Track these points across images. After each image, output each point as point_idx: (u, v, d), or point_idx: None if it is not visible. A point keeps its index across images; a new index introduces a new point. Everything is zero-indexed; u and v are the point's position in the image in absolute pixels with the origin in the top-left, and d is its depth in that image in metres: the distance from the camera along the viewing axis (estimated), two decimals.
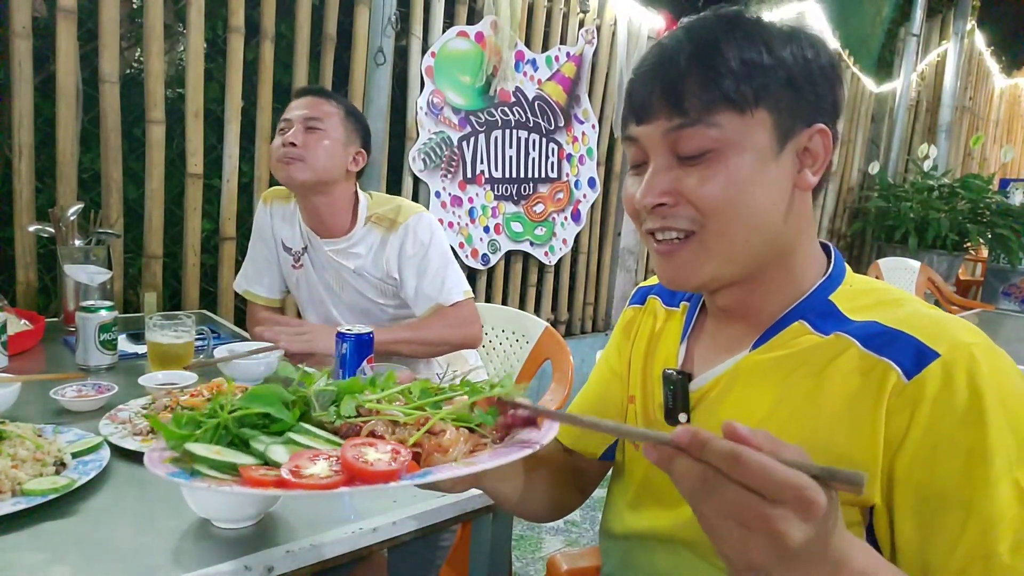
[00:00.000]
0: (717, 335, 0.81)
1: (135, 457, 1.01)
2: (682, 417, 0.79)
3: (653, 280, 0.94)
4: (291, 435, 0.61)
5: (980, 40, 6.44)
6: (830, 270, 0.75)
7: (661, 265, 0.73)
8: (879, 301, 0.71)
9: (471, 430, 0.66)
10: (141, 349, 1.56)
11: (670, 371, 0.81)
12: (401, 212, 1.71)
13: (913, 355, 0.64)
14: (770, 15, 0.72)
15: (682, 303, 0.88)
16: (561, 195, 3.48)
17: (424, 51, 2.88)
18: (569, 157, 3.47)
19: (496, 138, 3.17)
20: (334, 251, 1.71)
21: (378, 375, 0.73)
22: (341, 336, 1.24)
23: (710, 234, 0.69)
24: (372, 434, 0.63)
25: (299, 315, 1.91)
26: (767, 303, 0.75)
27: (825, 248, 0.78)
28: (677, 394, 0.79)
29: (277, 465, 0.57)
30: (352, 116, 1.70)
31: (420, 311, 1.69)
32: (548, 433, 0.66)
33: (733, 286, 0.75)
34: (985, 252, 5.17)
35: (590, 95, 3.50)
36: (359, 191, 1.73)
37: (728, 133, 0.66)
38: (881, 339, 0.66)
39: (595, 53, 3.46)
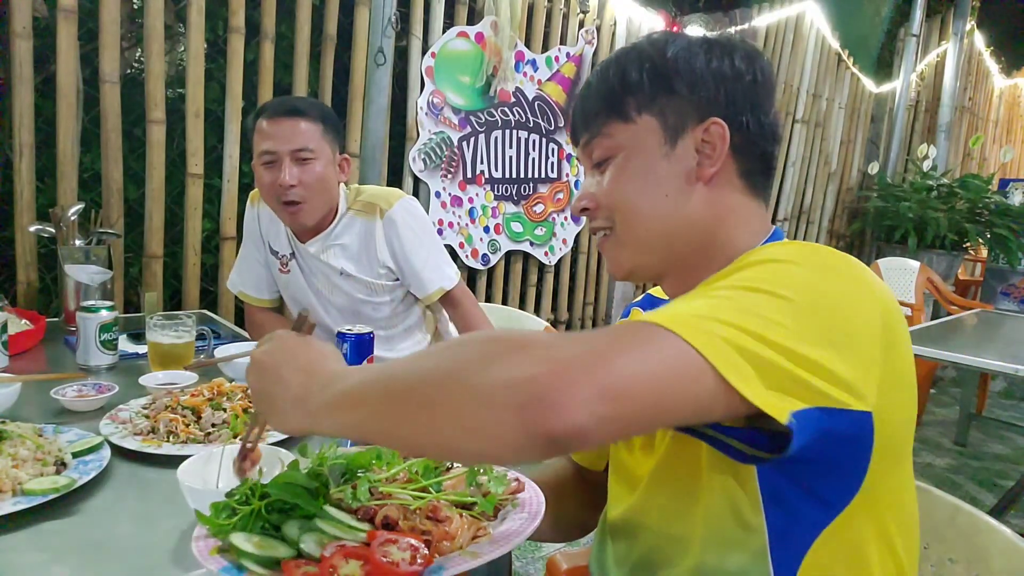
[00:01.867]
0: None
1: (135, 457, 1.01)
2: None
3: (640, 296, 1.02)
4: (319, 523, 0.70)
5: (980, 40, 6.44)
6: (763, 243, 0.79)
7: (604, 257, 0.86)
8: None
9: (472, 515, 0.76)
10: (141, 349, 1.56)
11: None
12: (385, 199, 1.69)
13: None
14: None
15: None
16: (561, 195, 3.48)
17: (424, 51, 2.88)
18: (569, 157, 3.47)
19: (496, 138, 3.17)
20: (319, 250, 1.69)
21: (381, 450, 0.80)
22: (341, 336, 1.24)
23: (619, 228, 0.80)
24: (386, 518, 0.72)
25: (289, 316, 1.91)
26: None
27: (776, 234, 0.81)
28: None
29: (310, 556, 0.67)
30: (329, 120, 1.63)
31: (425, 295, 1.70)
32: (538, 514, 0.76)
33: (669, 276, 0.83)
34: (984, 252, 5.17)
35: None
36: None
37: (618, 140, 0.78)
38: None
39: (595, 53, 3.46)
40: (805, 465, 0.64)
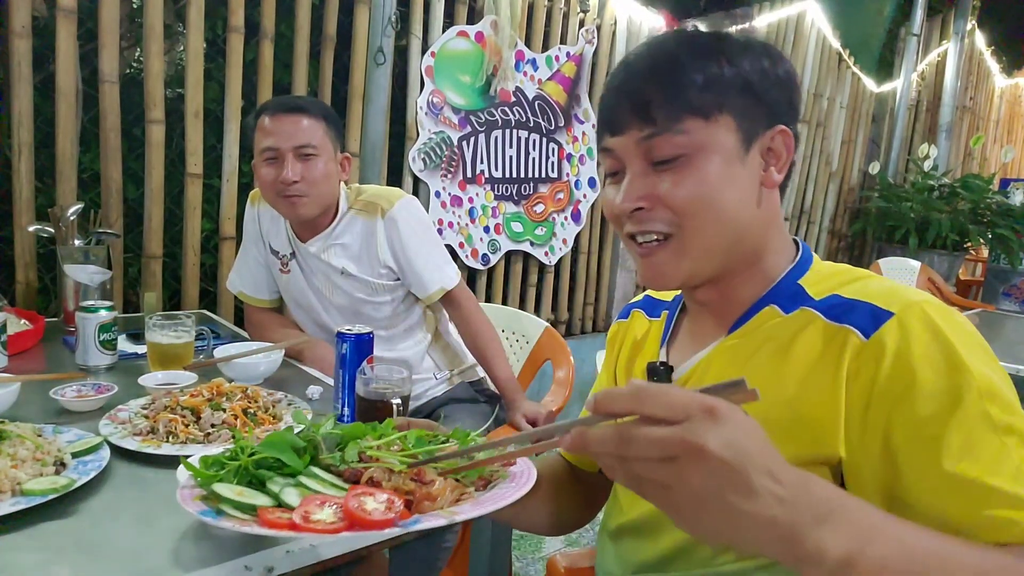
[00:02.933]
0: (695, 330, 0.86)
1: (135, 457, 1.01)
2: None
3: (639, 296, 1.00)
4: (302, 479, 0.70)
5: (980, 40, 6.43)
6: (798, 258, 0.80)
7: (642, 267, 0.78)
8: (841, 281, 0.76)
9: (457, 480, 0.75)
10: (141, 349, 1.56)
11: (654, 363, 0.85)
12: (386, 198, 1.69)
13: (869, 318, 0.68)
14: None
15: (663, 312, 0.93)
16: (561, 195, 3.48)
17: (424, 51, 2.88)
18: (569, 157, 3.47)
19: (496, 138, 3.17)
20: (319, 249, 1.69)
21: (377, 424, 0.80)
22: (341, 336, 1.24)
23: (686, 234, 0.74)
24: (371, 480, 0.71)
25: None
26: (741, 294, 0.80)
27: (795, 242, 0.83)
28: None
29: (290, 507, 0.67)
30: (330, 118, 1.64)
31: (425, 295, 1.71)
32: (526, 485, 0.74)
33: (710, 282, 0.79)
34: (985, 252, 5.16)
35: (590, 95, 3.50)
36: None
37: (695, 138, 0.72)
38: (840, 309, 0.71)
39: (595, 53, 3.46)
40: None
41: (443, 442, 0.80)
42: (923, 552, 0.51)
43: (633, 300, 1.02)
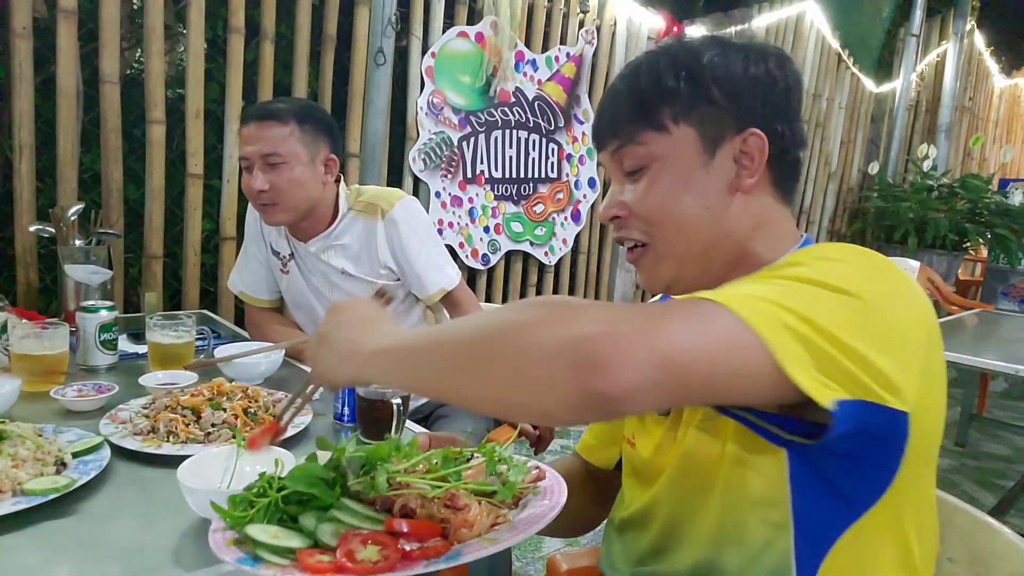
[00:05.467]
0: None
1: (135, 457, 1.01)
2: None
3: (656, 297, 1.00)
4: (336, 513, 0.70)
5: (980, 40, 6.44)
6: (793, 250, 0.79)
7: (636, 272, 0.83)
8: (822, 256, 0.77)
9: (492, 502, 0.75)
10: (141, 349, 1.56)
11: None
12: (386, 199, 1.68)
13: None
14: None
15: None
16: (561, 195, 3.48)
17: (424, 51, 2.88)
18: (569, 157, 3.47)
19: (496, 138, 3.17)
20: (319, 249, 1.68)
21: (400, 442, 0.79)
22: None
23: (658, 241, 0.77)
24: (404, 508, 0.71)
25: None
26: None
27: (807, 242, 0.82)
28: None
29: (327, 546, 0.66)
30: (308, 121, 1.59)
31: (426, 296, 1.71)
32: (559, 502, 0.73)
33: (704, 288, 0.78)
34: (984, 252, 5.17)
35: (590, 95, 3.50)
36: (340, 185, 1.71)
37: (653, 149, 0.75)
38: None
39: (595, 53, 3.46)
40: (837, 459, 0.65)
41: (468, 459, 0.79)
42: (430, 335, 0.64)
43: (652, 300, 1.03)
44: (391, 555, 0.64)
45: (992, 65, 7.01)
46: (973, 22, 5.92)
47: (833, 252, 0.68)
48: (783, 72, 0.76)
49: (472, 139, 3.09)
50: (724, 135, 0.74)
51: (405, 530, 0.67)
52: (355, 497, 0.72)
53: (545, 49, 3.29)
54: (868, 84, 5.22)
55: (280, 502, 0.71)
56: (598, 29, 3.45)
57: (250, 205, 1.84)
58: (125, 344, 1.62)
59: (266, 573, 0.64)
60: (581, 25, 3.40)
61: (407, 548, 0.65)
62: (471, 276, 3.19)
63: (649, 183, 0.76)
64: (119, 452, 1.02)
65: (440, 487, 0.73)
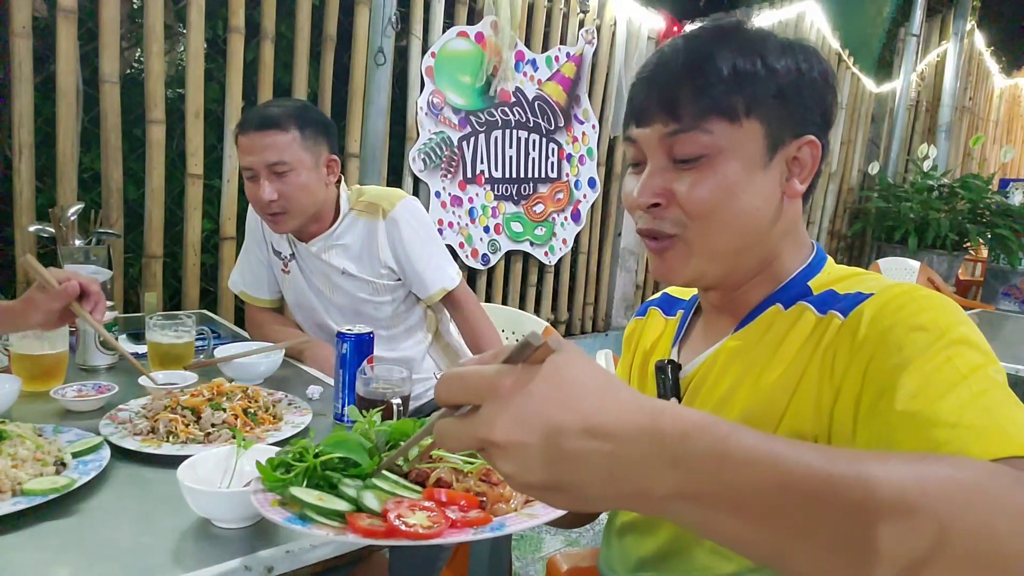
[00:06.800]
0: (707, 330, 0.86)
1: (135, 457, 1.01)
2: (672, 402, 0.82)
3: (658, 294, 1.00)
4: (375, 482, 0.70)
5: (980, 40, 6.44)
6: (810, 260, 0.79)
7: (653, 261, 0.78)
8: (841, 276, 0.76)
9: None
10: (141, 349, 1.56)
11: (662, 361, 0.86)
12: (387, 199, 1.68)
13: (852, 302, 0.70)
14: (771, 15, 0.75)
15: (679, 311, 0.93)
16: (561, 195, 3.48)
17: (424, 51, 2.88)
18: (569, 157, 3.47)
19: (496, 138, 3.17)
20: (320, 249, 1.69)
21: (422, 420, 0.81)
22: (341, 336, 1.24)
23: (693, 235, 0.73)
24: (439, 480, 0.72)
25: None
26: (750, 297, 0.79)
27: (819, 253, 0.82)
28: (667, 382, 0.84)
29: (371, 511, 0.67)
30: (308, 124, 1.58)
31: (427, 296, 1.71)
32: None
33: (721, 285, 0.79)
34: (985, 252, 5.17)
35: (590, 95, 3.50)
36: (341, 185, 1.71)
37: (719, 140, 0.70)
38: (831, 300, 0.73)
39: (595, 53, 3.46)
40: None
41: None
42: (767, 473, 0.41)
43: (652, 298, 1.02)
44: (440, 521, 0.65)
45: (992, 65, 7.01)
46: (973, 22, 5.92)
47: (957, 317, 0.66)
48: (831, 81, 0.75)
49: (472, 139, 3.09)
50: (784, 138, 0.72)
51: (445, 500, 0.69)
52: (388, 470, 0.73)
53: (545, 49, 3.29)
54: (868, 84, 5.22)
55: (317, 468, 0.72)
56: (598, 29, 3.45)
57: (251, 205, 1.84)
58: (125, 344, 1.61)
59: (319, 532, 0.64)
60: (581, 25, 3.40)
61: (452, 517, 0.66)
62: (471, 276, 3.19)
63: (707, 175, 0.70)
64: (119, 452, 1.01)
65: (473, 463, 0.73)
